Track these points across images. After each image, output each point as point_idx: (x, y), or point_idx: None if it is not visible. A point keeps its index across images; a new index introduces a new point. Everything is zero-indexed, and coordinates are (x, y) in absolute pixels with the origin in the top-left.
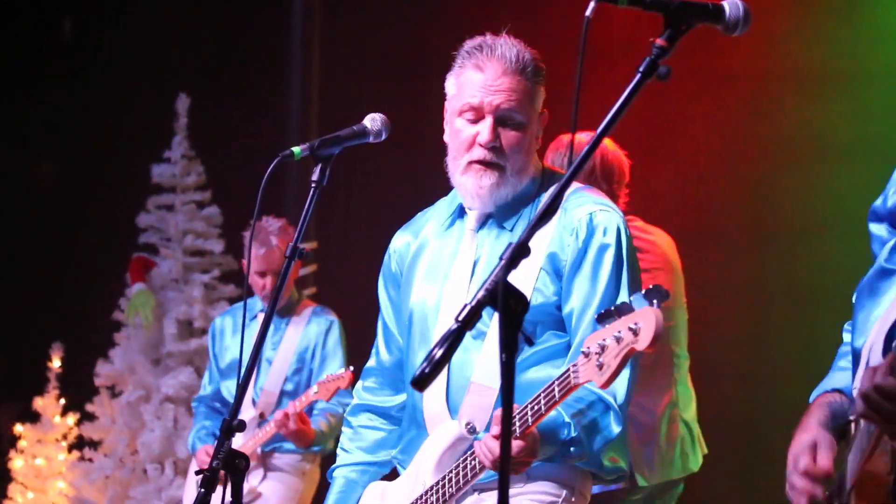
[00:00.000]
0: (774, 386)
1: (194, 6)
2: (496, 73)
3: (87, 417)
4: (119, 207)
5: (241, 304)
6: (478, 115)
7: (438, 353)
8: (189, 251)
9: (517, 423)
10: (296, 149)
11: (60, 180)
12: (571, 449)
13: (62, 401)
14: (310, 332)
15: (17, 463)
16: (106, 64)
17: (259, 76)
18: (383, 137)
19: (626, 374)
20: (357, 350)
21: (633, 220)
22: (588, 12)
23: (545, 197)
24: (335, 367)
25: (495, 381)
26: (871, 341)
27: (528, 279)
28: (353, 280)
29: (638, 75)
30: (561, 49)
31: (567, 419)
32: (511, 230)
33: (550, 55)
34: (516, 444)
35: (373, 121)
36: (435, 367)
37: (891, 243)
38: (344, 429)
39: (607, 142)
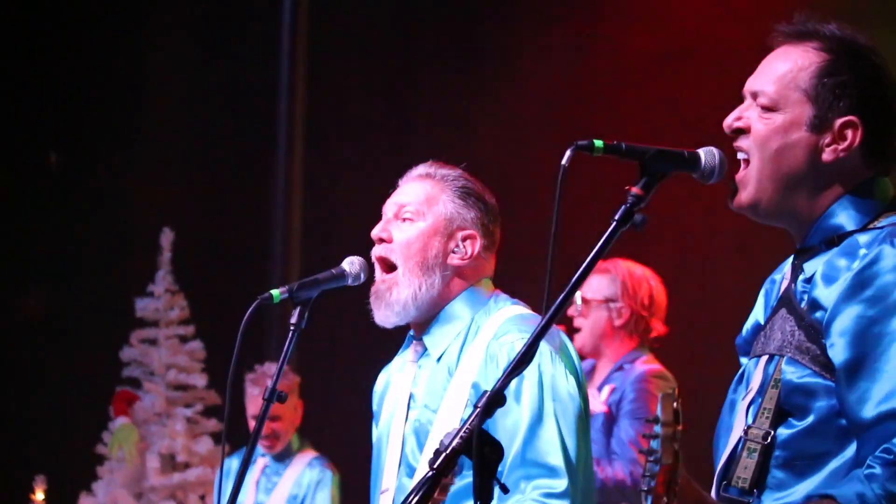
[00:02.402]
0: None
1: (179, 141)
2: (404, 184)
3: None
4: (103, 341)
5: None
6: None
7: (413, 499)
8: (172, 385)
9: None
10: (274, 292)
11: (43, 312)
12: None
13: None
14: (303, 480)
15: None
16: (91, 197)
17: (243, 212)
18: (362, 280)
19: (556, 503)
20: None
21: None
22: (564, 161)
23: (486, 328)
24: None
25: None
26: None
27: (455, 413)
28: (337, 418)
29: (613, 223)
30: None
31: None
32: (438, 360)
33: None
34: None
35: (351, 264)
36: None
37: (737, 374)
38: None
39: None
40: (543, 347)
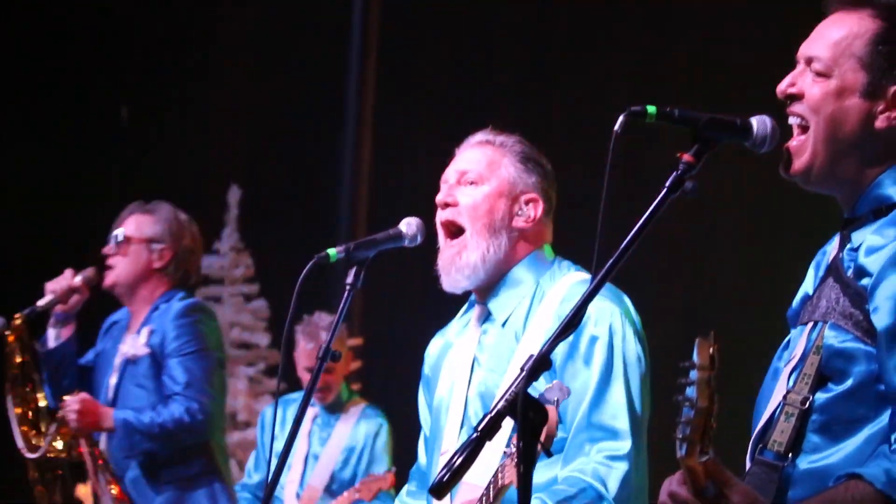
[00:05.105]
0: None
1: (249, 100)
2: (462, 151)
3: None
4: None
5: (291, 396)
6: None
7: (458, 460)
8: (235, 344)
9: None
10: (331, 251)
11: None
12: None
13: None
14: (359, 431)
15: None
16: (159, 152)
17: (310, 171)
18: (418, 241)
19: (619, 465)
20: (402, 447)
21: None
22: (617, 127)
23: (552, 293)
24: (380, 470)
25: (482, 480)
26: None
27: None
28: (399, 377)
29: (664, 190)
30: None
31: None
32: (504, 325)
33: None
34: None
35: (408, 225)
36: (453, 475)
37: (783, 343)
38: None
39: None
40: (613, 309)
